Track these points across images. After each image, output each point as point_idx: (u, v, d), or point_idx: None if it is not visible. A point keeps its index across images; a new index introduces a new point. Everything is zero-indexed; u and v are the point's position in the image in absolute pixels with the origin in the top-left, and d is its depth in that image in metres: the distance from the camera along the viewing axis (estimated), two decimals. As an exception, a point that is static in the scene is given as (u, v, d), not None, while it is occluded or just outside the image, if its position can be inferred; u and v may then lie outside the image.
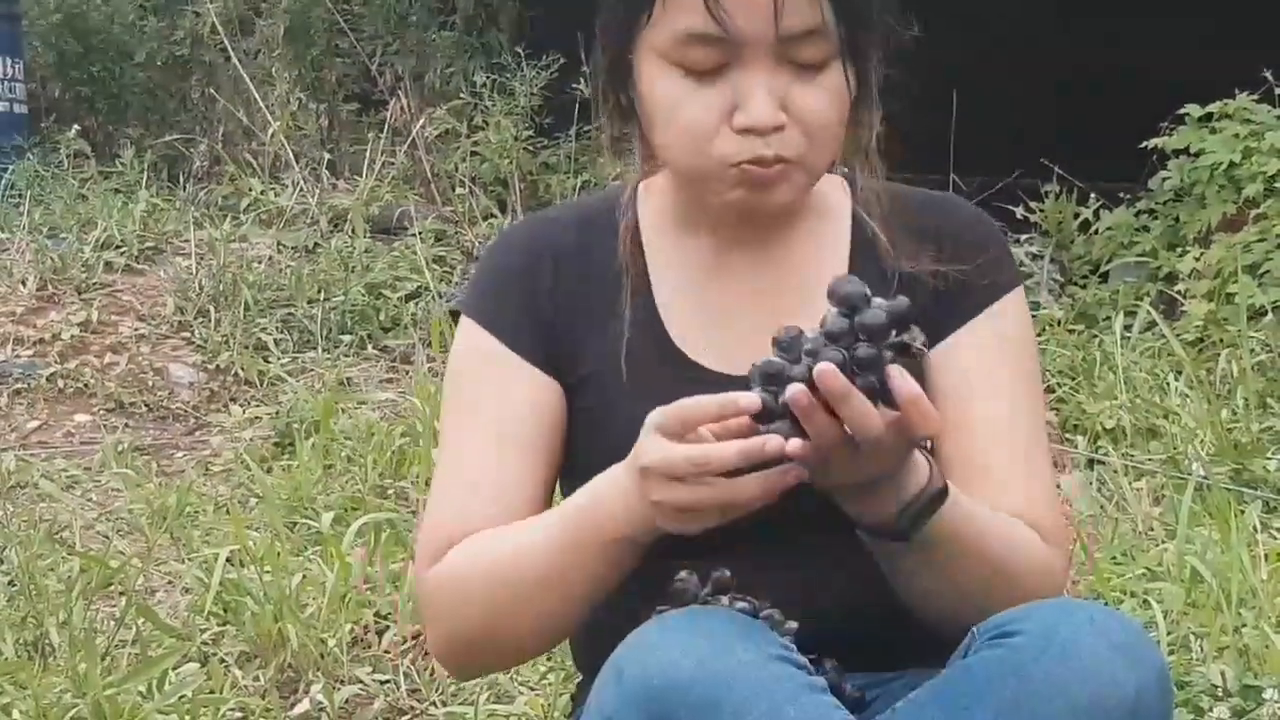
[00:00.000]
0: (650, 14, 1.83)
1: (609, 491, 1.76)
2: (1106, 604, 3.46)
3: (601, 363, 1.92)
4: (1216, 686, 3.13)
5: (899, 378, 1.63)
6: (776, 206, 1.86)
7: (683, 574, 1.80)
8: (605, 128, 1.97)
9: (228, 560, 3.80)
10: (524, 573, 1.83)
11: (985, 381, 1.90)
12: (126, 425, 5.56)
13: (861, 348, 1.64)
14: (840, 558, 1.85)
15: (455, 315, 2.02)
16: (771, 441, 1.63)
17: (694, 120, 1.82)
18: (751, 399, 1.65)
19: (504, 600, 1.84)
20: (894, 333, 1.64)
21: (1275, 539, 4.00)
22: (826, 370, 1.61)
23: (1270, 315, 5.59)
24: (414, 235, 6.92)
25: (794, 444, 1.63)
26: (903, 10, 1.92)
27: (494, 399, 1.93)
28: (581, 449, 1.91)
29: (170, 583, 4.08)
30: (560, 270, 1.96)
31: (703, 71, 1.81)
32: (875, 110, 1.92)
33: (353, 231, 7.02)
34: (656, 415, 1.68)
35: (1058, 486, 2.00)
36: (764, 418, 1.65)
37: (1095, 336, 5.79)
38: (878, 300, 1.65)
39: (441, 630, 1.93)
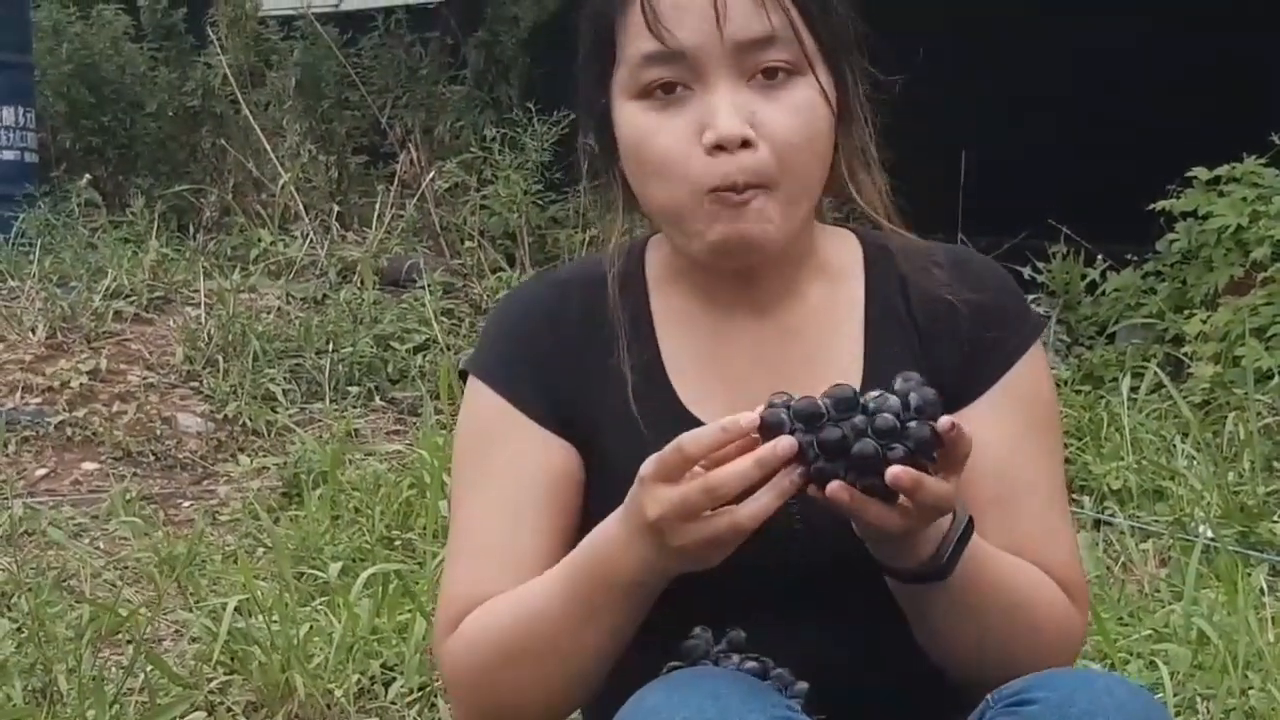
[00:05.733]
0: (614, 56, 1.84)
1: (610, 549, 1.74)
2: (1113, 665, 3.46)
3: (611, 422, 1.90)
4: (1223, 749, 3.13)
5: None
6: (759, 242, 1.82)
7: (697, 630, 1.80)
8: (595, 208, 1.98)
9: (235, 609, 3.80)
10: (537, 638, 1.80)
11: (1012, 449, 1.88)
12: (134, 474, 5.56)
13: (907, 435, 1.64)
14: (854, 619, 1.86)
15: (464, 375, 1.99)
16: (782, 443, 1.63)
17: (666, 148, 1.81)
18: (750, 417, 1.64)
19: (521, 668, 1.82)
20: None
21: (1282, 601, 4.00)
22: (901, 473, 1.61)
23: (1277, 378, 5.59)
24: (422, 288, 6.93)
25: (834, 486, 1.64)
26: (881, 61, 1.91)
27: (505, 462, 1.91)
28: (596, 508, 1.86)
29: (178, 631, 4.08)
30: (566, 332, 1.94)
31: (668, 99, 1.81)
32: (866, 131, 1.91)
33: (361, 283, 7.03)
34: (651, 464, 1.66)
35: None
36: (769, 434, 1.65)
37: (1102, 397, 5.79)
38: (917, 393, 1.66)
39: (465, 706, 1.90)
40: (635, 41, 1.81)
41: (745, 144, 1.78)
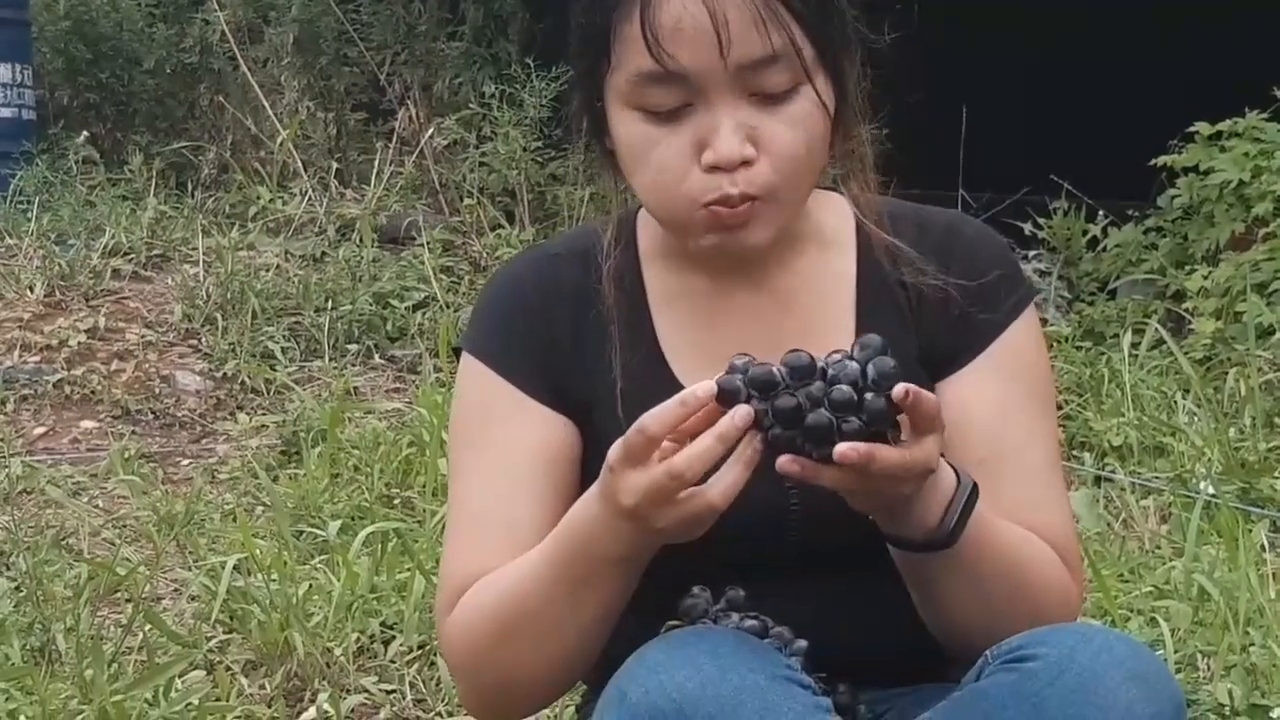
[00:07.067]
0: (609, 59, 1.80)
1: (593, 529, 1.73)
2: (1114, 622, 3.46)
3: (608, 399, 1.89)
4: (1224, 705, 3.13)
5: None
6: (751, 248, 1.83)
7: (696, 589, 1.80)
8: (589, 169, 1.96)
9: (234, 568, 3.80)
10: (530, 616, 1.80)
11: (1003, 412, 1.88)
12: (133, 432, 5.56)
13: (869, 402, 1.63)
14: (852, 582, 1.85)
15: (457, 352, 1.98)
16: (739, 413, 1.62)
17: (664, 163, 1.79)
18: (708, 386, 1.63)
19: (517, 645, 1.82)
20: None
21: (1282, 558, 4.00)
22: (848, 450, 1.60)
23: (1278, 334, 5.58)
24: (421, 245, 6.93)
25: (784, 460, 1.63)
26: (871, 18, 1.89)
27: (501, 438, 1.90)
28: (593, 481, 1.82)
29: (177, 590, 4.08)
30: (560, 307, 1.94)
31: (667, 112, 1.78)
32: (864, 124, 1.89)
33: (360, 241, 7.02)
34: (618, 449, 1.65)
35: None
36: (727, 402, 1.63)
37: (1103, 353, 5.79)
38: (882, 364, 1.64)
39: (467, 684, 1.91)
40: (634, 56, 1.78)
41: (744, 162, 1.77)
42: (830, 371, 1.63)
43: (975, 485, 1.74)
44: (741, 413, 1.62)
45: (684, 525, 1.66)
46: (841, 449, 1.59)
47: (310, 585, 3.79)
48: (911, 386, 1.61)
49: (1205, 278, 6.17)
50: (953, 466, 1.74)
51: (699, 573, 1.79)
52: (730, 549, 1.74)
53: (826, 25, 1.80)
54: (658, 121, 1.79)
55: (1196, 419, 5.02)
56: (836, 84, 1.82)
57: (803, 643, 1.77)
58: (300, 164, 7.83)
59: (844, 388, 1.61)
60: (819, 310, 1.92)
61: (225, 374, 5.97)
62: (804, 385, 1.62)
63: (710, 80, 1.76)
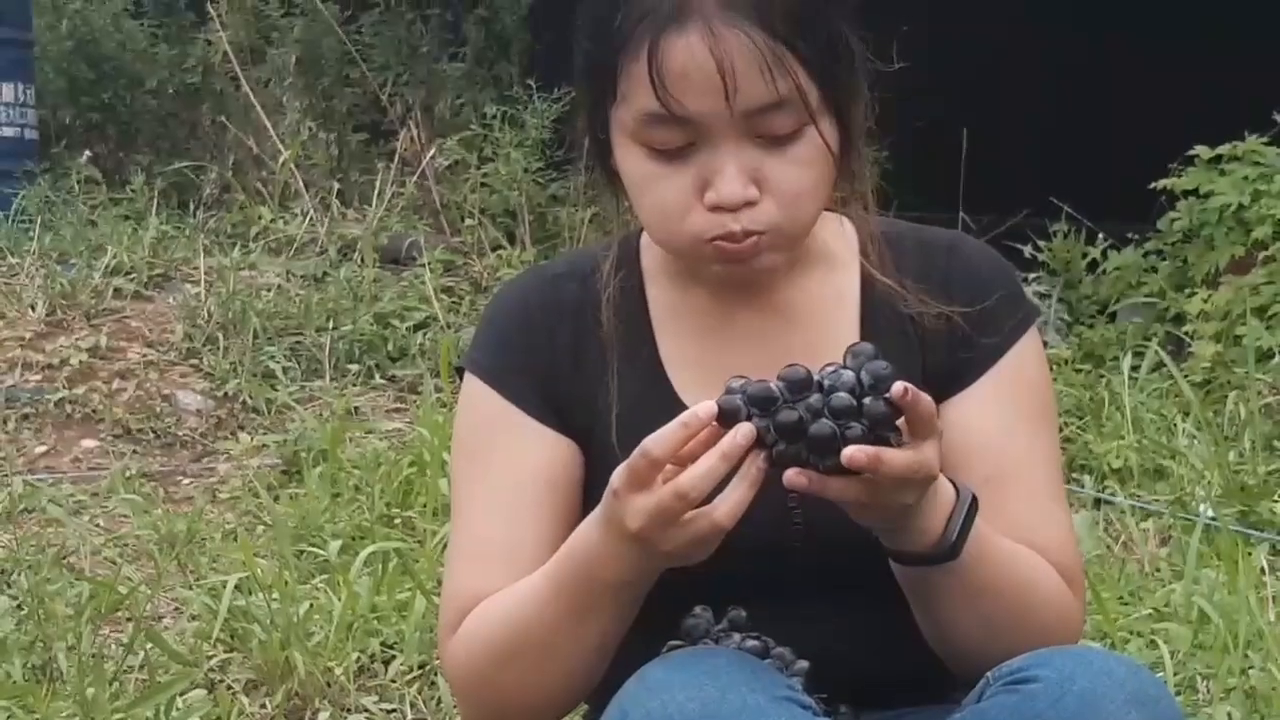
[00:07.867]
0: (615, 94, 1.81)
1: (595, 554, 1.74)
2: (1114, 644, 3.47)
3: (610, 420, 1.89)
4: (1223, 728, 3.14)
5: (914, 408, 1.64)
6: (759, 276, 1.86)
7: (698, 609, 1.80)
8: (591, 190, 1.97)
9: (235, 587, 3.80)
10: (531, 640, 1.81)
11: (1007, 432, 1.89)
12: (134, 451, 5.56)
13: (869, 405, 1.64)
14: (855, 606, 1.86)
15: (460, 372, 1.99)
16: (741, 430, 1.63)
17: (667, 201, 1.80)
18: (709, 407, 1.64)
19: (519, 669, 1.83)
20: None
21: (1282, 581, 4.00)
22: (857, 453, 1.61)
23: (1278, 357, 5.59)
24: (423, 265, 6.93)
25: (791, 474, 1.64)
26: (880, 46, 1.89)
27: (503, 459, 1.91)
28: (597, 504, 1.81)
29: (178, 609, 4.09)
30: (563, 328, 1.94)
31: (672, 150, 1.79)
32: (865, 159, 1.90)
33: (361, 261, 7.02)
34: (622, 474, 1.66)
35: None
36: (728, 421, 1.64)
37: (1102, 376, 5.80)
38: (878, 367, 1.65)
39: (469, 706, 1.92)
40: (640, 97, 1.78)
41: (748, 203, 1.78)
42: (826, 382, 1.64)
43: (975, 497, 1.75)
44: (744, 430, 1.63)
45: (690, 547, 1.67)
46: (849, 451, 1.60)
47: (311, 605, 3.79)
48: (909, 385, 1.62)
49: (1205, 301, 6.17)
50: (951, 480, 1.75)
51: (701, 593, 1.80)
52: (733, 569, 1.74)
53: (834, 68, 1.80)
54: (662, 159, 1.80)
55: (1196, 442, 5.02)
56: (842, 125, 1.83)
57: (804, 663, 1.77)
58: (302, 184, 7.83)
59: (842, 395, 1.62)
60: (823, 328, 1.92)
61: (226, 393, 5.97)
62: (802, 398, 1.63)
63: (715, 124, 1.77)
